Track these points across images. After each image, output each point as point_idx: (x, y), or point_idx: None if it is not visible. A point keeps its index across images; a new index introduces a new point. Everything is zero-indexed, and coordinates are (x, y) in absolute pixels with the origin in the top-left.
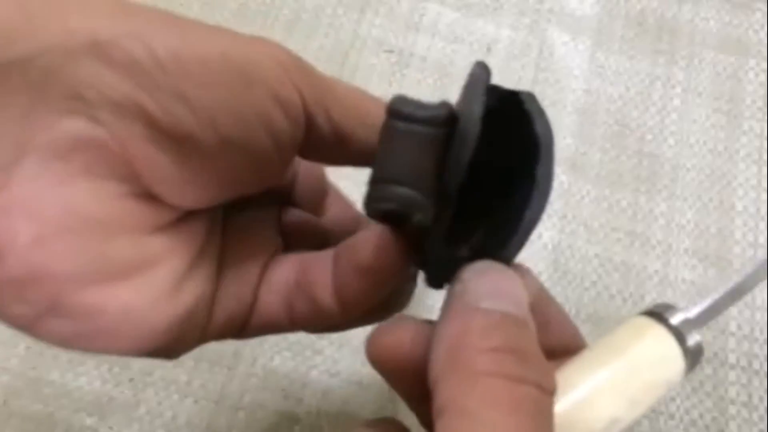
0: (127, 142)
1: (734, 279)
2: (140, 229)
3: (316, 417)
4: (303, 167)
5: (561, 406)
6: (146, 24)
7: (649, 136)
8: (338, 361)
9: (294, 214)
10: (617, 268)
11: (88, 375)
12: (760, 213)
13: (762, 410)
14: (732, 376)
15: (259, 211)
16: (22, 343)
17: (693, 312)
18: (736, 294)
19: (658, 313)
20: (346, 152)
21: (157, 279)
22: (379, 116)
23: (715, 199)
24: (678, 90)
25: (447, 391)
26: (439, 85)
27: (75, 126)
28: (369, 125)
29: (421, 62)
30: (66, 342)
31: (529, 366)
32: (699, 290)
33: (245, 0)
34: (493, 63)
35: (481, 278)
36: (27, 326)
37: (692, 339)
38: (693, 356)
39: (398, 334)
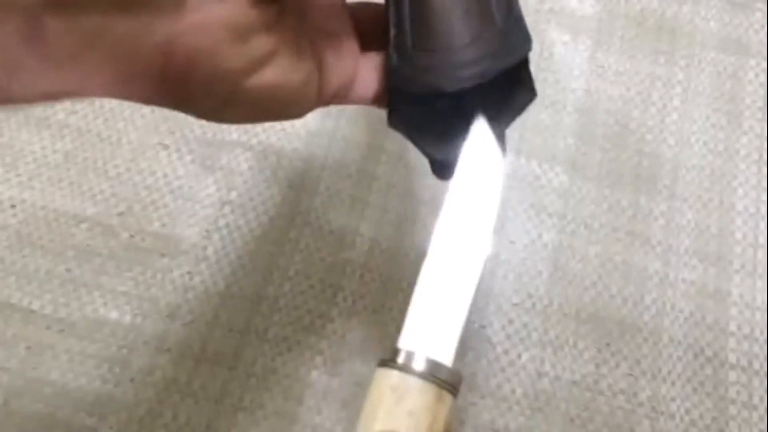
0: None
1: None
2: (262, 29)
3: (317, 416)
4: None
5: None
6: None
7: (649, 136)
8: (338, 361)
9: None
10: (617, 268)
11: (88, 375)
12: (760, 213)
13: (762, 410)
14: (732, 376)
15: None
16: (22, 343)
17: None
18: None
19: (389, 360)
20: None
21: (282, 61)
22: None
23: (715, 199)
24: (678, 90)
25: None
26: None
27: None
28: None
29: None
30: (240, 118)
31: None
32: (699, 290)
33: None
34: None
35: None
36: (214, 113)
37: (419, 365)
38: (434, 376)
39: None
